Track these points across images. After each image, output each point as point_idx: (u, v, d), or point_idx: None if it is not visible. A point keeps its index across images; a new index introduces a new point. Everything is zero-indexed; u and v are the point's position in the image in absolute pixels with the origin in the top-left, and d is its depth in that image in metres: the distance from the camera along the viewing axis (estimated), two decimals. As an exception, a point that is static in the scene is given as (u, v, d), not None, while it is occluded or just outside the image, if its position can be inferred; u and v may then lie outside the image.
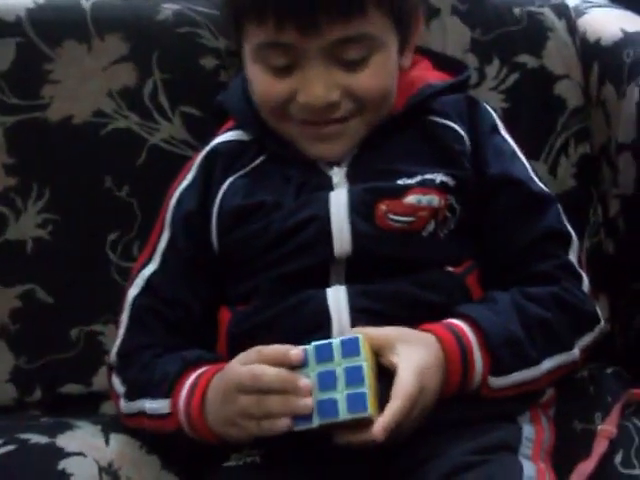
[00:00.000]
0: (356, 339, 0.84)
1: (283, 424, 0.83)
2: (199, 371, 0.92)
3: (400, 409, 0.83)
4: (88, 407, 1.10)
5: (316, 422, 0.83)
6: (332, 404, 0.82)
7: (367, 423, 0.83)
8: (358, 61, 0.94)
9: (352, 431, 0.83)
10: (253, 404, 0.85)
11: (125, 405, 0.97)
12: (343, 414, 0.82)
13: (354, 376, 0.83)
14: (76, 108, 1.11)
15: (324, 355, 0.84)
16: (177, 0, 1.15)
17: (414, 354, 0.86)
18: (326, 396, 0.83)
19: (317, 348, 0.85)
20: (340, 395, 0.83)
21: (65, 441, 0.97)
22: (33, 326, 1.10)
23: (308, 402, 0.83)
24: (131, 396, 0.97)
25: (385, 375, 0.86)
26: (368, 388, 0.82)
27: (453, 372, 0.89)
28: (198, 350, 0.96)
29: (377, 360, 0.86)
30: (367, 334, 0.86)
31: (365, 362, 0.83)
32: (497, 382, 0.90)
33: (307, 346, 0.85)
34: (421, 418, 0.86)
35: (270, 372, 0.85)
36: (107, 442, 0.98)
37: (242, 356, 0.88)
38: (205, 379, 0.91)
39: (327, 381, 0.83)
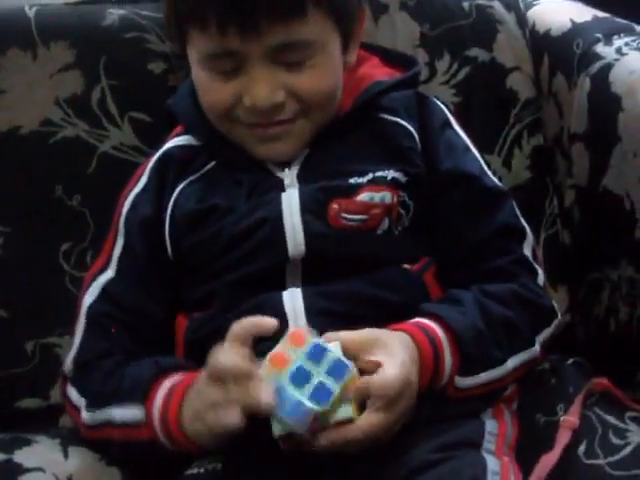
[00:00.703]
0: (347, 367, 0.84)
1: (235, 419, 0.82)
2: (175, 377, 0.90)
3: (377, 417, 0.83)
4: (47, 421, 1.08)
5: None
6: (287, 401, 0.82)
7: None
8: (300, 63, 0.94)
9: (335, 431, 0.83)
10: (219, 394, 0.84)
11: (88, 416, 0.95)
12: (286, 415, 0.82)
13: (321, 394, 0.83)
14: (23, 118, 1.09)
15: (316, 355, 0.84)
16: (123, 5, 1.14)
17: (394, 351, 0.86)
18: (291, 391, 0.83)
19: (315, 346, 0.84)
20: (299, 398, 0.83)
21: (23, 457, 0.95)
22: (-13, 341, 1.09)
23: (268, 402, 0.82)
24: (95, 406, 0.95)
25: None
26: (321, 411, 0.82)
27: (425, 370, 0.88)
28: (170, 357, 0.95)
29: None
30: (343, 338, 0.86)
31: (339, 390, 0.83)
32: (464, 382, 0.90)
33: (310, 334, 0.85)
34: (405, 415, 0.85)
35: (229, 362, 0.84)
36: (66, 456, 0.97)
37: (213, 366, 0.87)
38: (184, 385, 0.89)
39: (300, 377, 0.83)
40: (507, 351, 0.93)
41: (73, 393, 0.97)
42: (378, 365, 0.85)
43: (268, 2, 0.90)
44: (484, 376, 0.91)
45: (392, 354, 0.86)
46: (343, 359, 0.84)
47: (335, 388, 0.83)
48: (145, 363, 0.93)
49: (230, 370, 0.84)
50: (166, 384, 0.90)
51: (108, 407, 0.93)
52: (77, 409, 0.97)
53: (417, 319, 0.91)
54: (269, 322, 0.88)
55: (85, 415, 0.95)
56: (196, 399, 0.86)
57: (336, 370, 0.84)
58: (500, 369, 0.92)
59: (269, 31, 0.91)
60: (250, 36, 0.91)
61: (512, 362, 0.93)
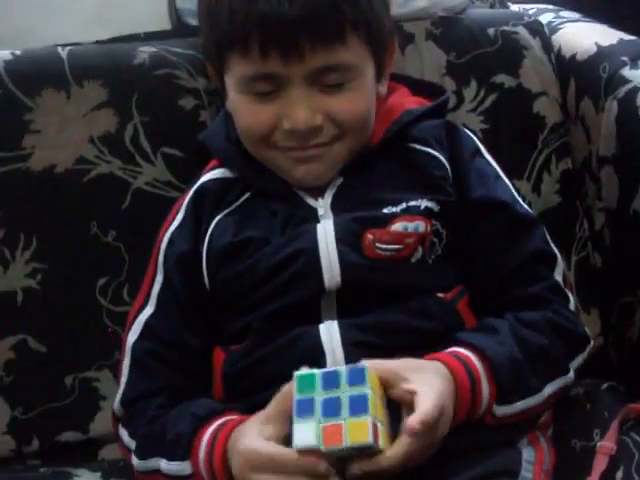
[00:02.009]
0: (362, 368, 0.84)
1: None
2: (213, 426, 0.90)
3: (428, 413, 0.82)
4: (87, 454, 1.10)
5: (320, 447, 0.82)
6: (336, 431, 0.82)
7: (375, 453, 0.82)
8: (338, 86, 0.95)
9: (366, 460, 0.83)
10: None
11: (138, 463, 0.96)
12: (346, 442, 0.82)
13: (358, 405, 0.83)
14: (58, 156, 1.11)
15: (331, 382, 0.84)
16: (153, 43, 1.16)
17: (430, 380, 0.86)
18: (331, 422, 0.83)
19: (324, 375, 0.84)
20: (345, 422, 0.82)
21: (66, 491, 0.97)
22: (27, 376, 1.10)
23: None
24: (143, 454, 0.95)
25: (397, 409, 0.85)
26: (372, 417, 0.82)
27: (462, 400, 0.88)
28: (205, 401, 0.95)
29: (386, 394, 0.86)
30: (377, 367, 0.85)
31: (370, 391, 0.83)
32: (501, 410, 0.91)
33: (315, 371, 0.85)
34: (438, 443, 0.85)
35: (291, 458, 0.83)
36: (108, 489, 0.98)
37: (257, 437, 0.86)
38: (223, 436, 0.89)
39: (332, 408, 0.83)
40: (543, 379, 0.93)
41: (124, 435, 0.99)
42: (413, 394, 0.85)
43: (309, 26, 0.92)
44: (521, 404, 0.91)
45: (428, 383, 0.86)
46: (354, 365, 0.85)
47: (366, 390, 0.83)
48: (184, 413, 0.93)
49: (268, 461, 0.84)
50: (206, 436, 0.90)
51: (155, 457, 0.94)
52: (128, 450, 0.98)
53: (453, 348, 0.92)
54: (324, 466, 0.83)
55: (134, 460, 0.96)
56: (252, 474, 0.85)
57: (356, 377, 0.84)
58: (536, 397, 0.93)
59: (311, 54, 0.93)
60: (292, 59, 0.93)
61: (548, 390, 0.94)
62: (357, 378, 0.84)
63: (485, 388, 0.90)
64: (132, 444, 0.97)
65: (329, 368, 0.86)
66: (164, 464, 0.93)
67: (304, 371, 0.85)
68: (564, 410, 1.01)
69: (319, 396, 0.84)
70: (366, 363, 0.85)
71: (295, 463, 0.83)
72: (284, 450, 0.84)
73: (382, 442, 0.83)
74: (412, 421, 0.82)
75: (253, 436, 0.86)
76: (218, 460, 0.88)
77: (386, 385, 0.86)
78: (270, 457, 0.84)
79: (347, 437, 0.82)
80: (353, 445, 0.82)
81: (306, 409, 0.83)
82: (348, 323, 0.93)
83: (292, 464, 0.83)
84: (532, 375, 0.92)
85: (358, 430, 0.82)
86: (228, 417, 0.91)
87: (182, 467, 0.91)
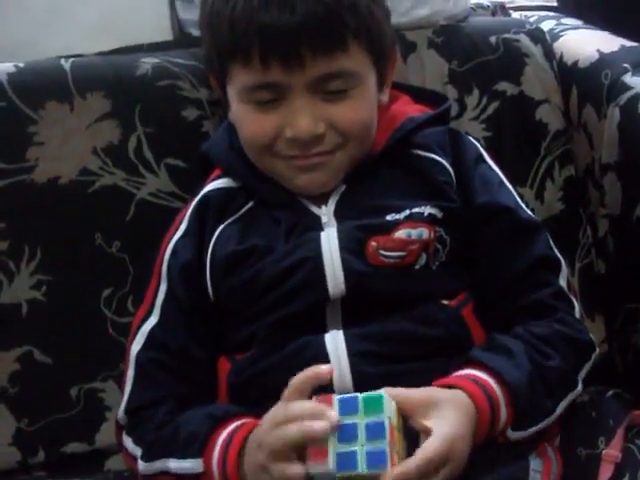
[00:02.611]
0: (380, 396, 0.83)
1: (296, 469, 0.82)
2: (231, 427, 0.90)
3: (417, 465, 0.82)
4: (92, 465, 1.10)
5: (333, 469, 0.82)
6: (352, 456, 0.82)
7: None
8: (340, 93, 0.96)
9: None
10: (277, 440, 0.84)
11: (144, 466, 0.96)
12: (362, 468, 0.81)
13: (375, 431, 0.82)
14: (62, 168, 1.11)
15: (348, 408, 0.83)
16: (155, 54, 1.16)
17: (448, 419, 0.85)
18: (346, 449, 0.82)
19: (341, 401, 0.84)
20: (360, 448, 0.82)
21: (72, 502, 0.97)
22: (33, 387, 1.10)
23: (323, 424, 0.81)
24: (151, 457, 0.95)
25: (416, 439, 0.85)
26: (388, 445, 0.82)
27: (480, 426, 0.88)
28: (220, 405, 0.96)
29: (405, 422, 0.85)
30: (398, 396, 0.85)
31: (387, 418, 0.83)
32: (515, 435, 0.90)
33: (333, 396, 0.84)
34: (456, 473, 0.84)
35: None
36: (114, 500, 0.99)
37: (272, 414, 0.86)
38: (241, 435, 0.89)
39: (349, 433, 0.82)
40: (557, 400, 0.93)
41: (129, 442, 0.98)
42: (429, 431, 0.84)
43: (310, 35, 0.92)
44: (535, 429, 0.91)
45: (443, 424, 0.84)
46: (372, 393, 0.84)
47: (383, 418, 0.82)
48: (198, 415, 0.93)
49: (292, 412, 0.84)
50: (223, 435, 0.90)
51: (163, 458, 0.94)
52: (133, 458, 0.97)
53: (471, 371, 0.90)
54: (326, 370, 0.85)
55: (140, 465, 0.96)
56: (259, 452, 0.85)
57: (373, 404, 0.83)
58: (550, 418, 0.92)
59: (312, 63, 0.93)
60: (293, 68, 0.93)
61: (560, 408, 0.94)
62: (374, 405, 0.83)
63: (503, 414, 0.89)
64: (138, 450, 0.97)
65: (347, 395, 0.85)
66: (174, 463, 0.92)
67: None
68: (570, 418, 1.00)
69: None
70: (382, 391, 0.84)
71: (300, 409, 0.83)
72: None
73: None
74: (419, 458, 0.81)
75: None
76: (232, 460, 0.88)
77: (406, 415, 0.85)
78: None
79: (363, 463, 0.81)
80: (369, 472, 0.81)
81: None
82: (353, 332, 0.93)
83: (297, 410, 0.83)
84: (547, 398, 0.92)
85: (374, 456, 0.81)
86: (245, 420, 0.91)
87: (194, 465, 0.91)
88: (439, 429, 0.84)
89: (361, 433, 0.82)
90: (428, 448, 0.83)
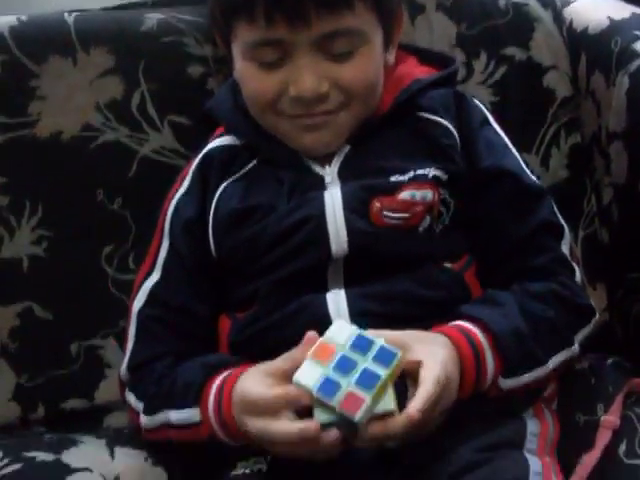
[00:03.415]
0: (395, 354, 0.84)
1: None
2: (224, 374, 0.91)
3: (430, 393, 0.82)
4: (92, 421, 1.10)
5: (313, 389, 0.83)
6: (334, 387, 0.82)
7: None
8: (345, 53, 0.95)
9: (376, 424, 0.82)
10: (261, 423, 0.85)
11: (146, 420, 0.96)
12: (335, 402, 0.82)
13: (368, 380, 0.83)
14: (65, 123, 1.10)
15: (361, 346, 0.84)
16: (161, 9, 1.15)
17: (434, 350, 0.86)
18: (335, 378, 0.83)
19: (359, 337, 0.84)
20: (345, 385, 0.82)
21: (71, 457, 0.97)
22: (33, 343, 1.10)
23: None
24: (152, 410, 0.96)
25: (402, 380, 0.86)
26: (371, 399, 0.82)
27: (467, 374, 0.89)
28: (217, 354, 0.96)
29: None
30: (381, 336, 0.85)
31: (385, 376, 0.83)
32: (507, 383, 0.91)
33: (355, 327, 0.85)
34: (443, 415, 0.86)
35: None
36: (112, 456, 0.98)
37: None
38: (231, 382, 0.90)
39: (345, 367, 0.83)
40: (548, 351, 0.93)
41: (131, 398, 0.99)
42: (419, 364, 0.85)
43: None
44: (526, 377, 0.91)
45: (432, 354, 0.86)
46: (390, 347, 0.84)
47: (382, 373, 0.83)
48: (194, 365, 0.94)
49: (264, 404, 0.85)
50: (217, 382, 0.90)
51: (164, 410, 0.94)
52: (137, 414, 0.98)
53: (457, 322, 0.91)
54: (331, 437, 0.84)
55: (143, 419, 0.97)
56: (251, 418, 0.86)
57: (384, 357, 0.84)
58: (542, 369, 0.93)
59: (317, 20, 0.92)
60: (298, 25, 0.92)
61: (553, 361, 0.94)
62: (385, 358, 0.83)
63: (490, 362, 0.90)
64: (140, 405, 0.97)
65: (369, 335, 0.85)
66: (174, 414, 0.93)
67: (344, 322, 0.86)
68: (568, 384, 1.01)
69: (342, 349, 0.84)
70: (399, 350, 0.84)
71: (280, 399, 0.84)
72: (266, 393, 0.84)
73: (394, 405, 0.82)
74: (412, 409, 0.82)
75: (250, 382, 0.87)
76: (227, 407, 0.89)
77: None
78: (257, 399, 0.85)
79: (340, 399, 0.82)
80: (340, 411, 0.82)
81: (322, 355, 0.84)
82: (355, 292, 0.93)
83: (274, 401, 0.84)
84: (537, 347, 0.92)
85: (352, 402, 0.82)
86: (237, 367, 0.91)
87: (191, 414, 0.91)
88: (429, 360, 0.84)
89: (355, 373, 0.83)
90: (431, 371, 0.83)
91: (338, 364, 0.83)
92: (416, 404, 0.82)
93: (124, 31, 1.12)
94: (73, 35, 1.11)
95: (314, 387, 0.83)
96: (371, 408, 0.82)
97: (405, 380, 0.85)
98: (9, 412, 1.10)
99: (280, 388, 0.85)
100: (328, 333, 0.85)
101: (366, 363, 0.83)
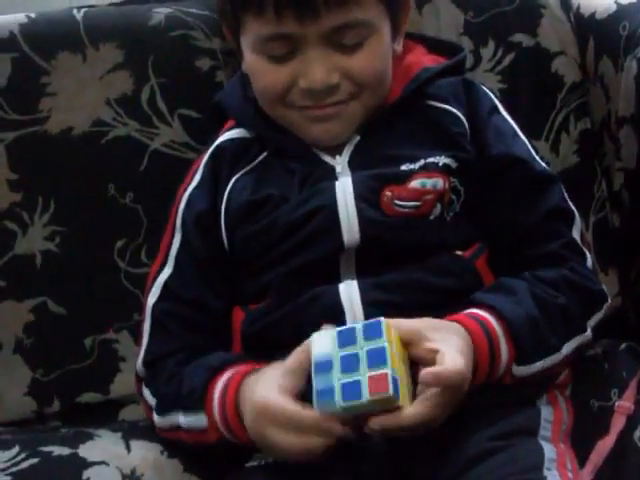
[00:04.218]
0: (378, 322, 0.84)
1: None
2: (224, 377, 0.91)
3: (450, 380, 0.83)
4: (107, 415, 1.11)
5: (340, 404, 0.82)
6: (355, 386, 0.82)
7: (395, 410, 0.82)
8: (354, 45, 0.95)
9: (387, 415, 0.82)
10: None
11: (158, 419, 0.97)
12: (365, 396, 0.82)
13: (377, 358, 0.83)
14: (75, 119, 1.11)
15: (347, 339, 0.84)
16: (168, 4, 1.15)
17: (450, 338, 0.86)
18: (349, 379, 0.83)
19: (340, 333, 0.85)
20: (363, 377, 0.82)
21: (87, 451, 0.98)
22: (47, 338, 1.11)
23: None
24: (162, 410, 0.97)
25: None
26: (390, 369, 0.82)
27: (481, 362, 0.88)
28: (220, 353, 0.96)
29: (407, 352, 0.86)
30: (397, 326, 0.85)
31: (387, 343, 0.83)
32: (521, 371, 0.91)
33: (329, 330, 0.85)
34: (458, 403, 0.85)
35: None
36: (128, 449, 0.99)
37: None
38: (233, 387, 0.90)
39: (350, 364, 0.83)
40: (562, 338, 0.93)
41: (147, 394, 0.99)
42: (436, 352, 0.85)
43: None
44: (540, 364, 0.91)
45: (449, 342, 0.86)
46: (370, 320, 0.85)
47: (382, 344, 0.83)
48: (198, 367, 0.94)
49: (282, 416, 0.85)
50: (219, 386, 0.91)
51: (173, 412, 0.95)
52: (151, 411, 0.99)
53: (470, 310, 0.91)
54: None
55: (156, 418, 0.98)
56: (263, 426, 0.86)
57: (372, 331, 0.84)
58: (555, 356, 0.93)
59: (326, 14, 0.92)
60: (307, 19, 0.92)
61: (566, 348, 0.94)
62: (373, 332, 0.84)
63: (504, 349, 0.90)
64: (154, 402, 0.98)
65: (345, 326, 0.86)
66: (182, 418, 0.94)
67: (320, 332, 0.85)
68: (582, 370, 1.01)
69: (337, 354, 0.84)
70: (382, 318, 0.85)
71: (313, 425, 0.83)
72: (303, 412, 0.84)
73: (402, 397, 0.82)
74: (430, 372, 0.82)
75: (271, 388, 0.86)
76: (231, 410, 0.89)
77: (408, 344, 0.86)
78: (289, 415, 0.84)
79: (366, 390, 0.82)
80: (373, 398, 0.81)
81: (324, 369, 0.83)
82: (367, 282, 0.93)
83: (309, 425, 0.83)
84: (551, 334, 0.92)
85: (377, 382, 0.81)
86: (239, 367, 0.91)
87: (198, 419, 0.92)
88: (445, 348, 0.84)
89: (363, 362, 0.83)
90: (452, 359, 0.83)
91: (343, 366, 0.83)
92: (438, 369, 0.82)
93: (132, 26, 1.13)
94: (82, 31, 1.11)
95: (338, 404, 0.82)
96: (396, 378, 0.82)
97: (417, 368, 0.85)
98: (25, 407, 1.11)
99: (311, 413, 0.84)
100: (315, 352, 0.85)
101: (364, 347, 0.83)
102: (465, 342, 0.88)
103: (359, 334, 0.84)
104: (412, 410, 0.83)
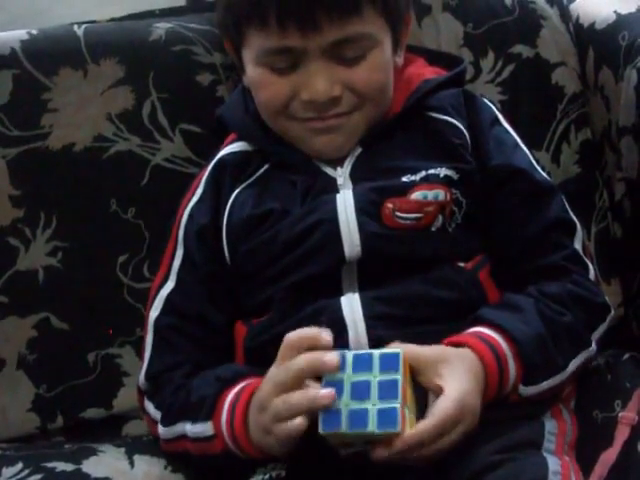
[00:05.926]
0: (397, 355, 0.83)
1: (297, 422, 0.83)
2: (237, 388, 0.91)
3: (432, 427, 0.82)
4: (110, 430, 1.11)
5: (344, 428, 0.82)
6: (363, 415, 0.82)
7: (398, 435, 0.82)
8: (356, 57, 0.96)
9: (386, 445, 0.82)
10: (280, 403, 0.84)
11: (163, 431, 0.97)
12: (372, 427, 0.82)
13: (388, 390, 0.82)
14: (77, 135, 1.11)
15: (362, 365, 0.83)
16: (169, 19, 1.16)
17: (458, 377, 0.86)
18: (358, 406, 0.82)
19: (356, 357, 0.84)
20: (372, 407, 0.82)
21: (91, 467, 0.98)
22: (50, 354, 1.11)
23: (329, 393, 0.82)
24: (168, 421, 0.96)
25: (424, 395, 0.85)
26: (400, 405, 0.82)
27: (490, 384, 0.88)
28: (232, 366, 0.96)
29: (415, 380, 0.85)
30: (409, 352, 0.85)
31: (402, 377, 0.83)
32: (527, 391, 0.91)
33: (346, 351, 0.85)
34: (462, 439, 0.85)
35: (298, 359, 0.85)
36: (132, 464, 0.99)
37: (273, 375, 0.87)
38: (246, 395, 0.90)
39: (360, 391, 0.83)
40: (568, 356, 0.93)
41: (150, 408, 1.00)
42: (440, 390, 0.84)
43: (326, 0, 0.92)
44: (546, 384, 0.91)
45: (454, 380, 0.85)
46: (389, 350, 0.84)
47: (397, 377, 0.82)
48: (209, 378, 0.94)
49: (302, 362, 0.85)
50: (230, 397, 0.91)
51: (180, 422, 0.95)
52: (155, 423, 0.99)
53: (479, 329, 0.91)
54: (325, 338, 0.86)
55: (161, 429, 0.97)
56: (262, 415, 0.86)
57: (389, 362, 0.83)
58: (561, 375, 0.93)
59: (328, 28, 0.93)
60: (309, 33, 0.93)
61: (572, 365, 0.94)
62: (390, 364, 0.83)
63: (512, 370, 0.89)
64: (158, 415, 0.98)
65: (362, 350, 0.85)
66: (189, 427, 0.93)
67: (336, 351, 0.84)
68: (585, 381, 1.01)
69: (348, 378, 0.83)
70: (399, 349, 0.84)
71: (295, 380, 0.84)
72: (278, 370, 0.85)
73: (406, 425, 0.82)
74: (408, 436, 0.82)
75: (264, 383, 0.87)
76: (239, 422, 0.89)
77: (416, 372, 0.86)
78: (276, 381, 0.85)
79: (373, 422, 0.81)
80: (379, 432, 0.81)
81: (335, 390, 0.83)
82: (369, 295, 0.93)
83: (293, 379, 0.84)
84: (558, 354, 0.92)
85: (386, 417, 0.81)
86: (251, 380, 0.91)
87: (205, 428, 0.92)
88: (450, 388, 0.84)
89: (374, 391, 0.82)
90: (441, 410, 0.83)
91: (353, 392, 0.83)
92: (409, 434, 0.82)
93: (133, 41, 1.13)
94: (83, 47, 1.11)
95: (344, 427, 0.82)
96: (405, 412, 0.82)
97: (427, 394, 0.85)
98: (28, 423, 1.11)
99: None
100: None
101: (377, 377, 0.83)
102: (473, 370, 0.87)
103: (375, 362, 0.83)
104: (407, 434, 0.82)
